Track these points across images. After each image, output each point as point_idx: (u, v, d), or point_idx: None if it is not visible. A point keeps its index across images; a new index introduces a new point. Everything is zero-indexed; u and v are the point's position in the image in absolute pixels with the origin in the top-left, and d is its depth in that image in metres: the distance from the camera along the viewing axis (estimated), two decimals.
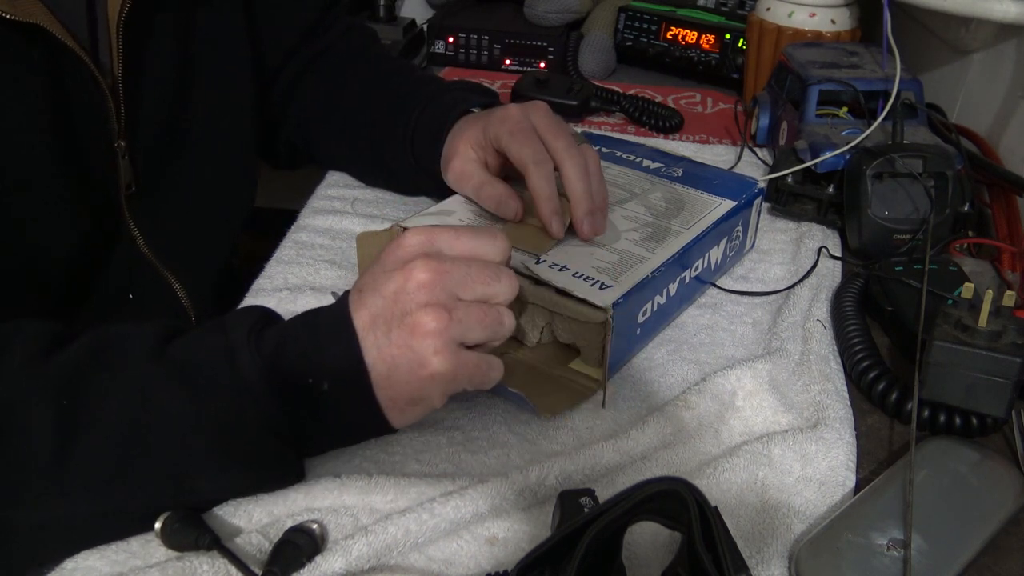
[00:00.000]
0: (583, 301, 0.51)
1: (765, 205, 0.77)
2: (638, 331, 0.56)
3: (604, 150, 0.72)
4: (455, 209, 0.61)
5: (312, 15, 0.80)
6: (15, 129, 0.54)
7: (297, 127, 0.81)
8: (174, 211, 0.67)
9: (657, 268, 0.55)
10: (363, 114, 0.76)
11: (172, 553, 0.43)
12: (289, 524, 0.44)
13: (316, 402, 0.45)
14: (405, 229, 0.55)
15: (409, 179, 0.74)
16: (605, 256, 0.56)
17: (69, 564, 0.43)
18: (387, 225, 0.61)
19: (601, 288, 0.52)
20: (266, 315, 0.48)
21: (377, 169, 0.77)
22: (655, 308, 0.57)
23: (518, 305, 0.54)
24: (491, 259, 0.48)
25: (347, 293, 0.47)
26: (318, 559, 0.42)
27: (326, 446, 0.49)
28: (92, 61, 0.56)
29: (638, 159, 0.71)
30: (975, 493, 0.47)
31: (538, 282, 0.53)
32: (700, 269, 0.62)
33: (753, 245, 0.71)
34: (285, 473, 0.47)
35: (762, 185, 0.68)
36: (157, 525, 0.43)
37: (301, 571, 0.41)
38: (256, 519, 0.45)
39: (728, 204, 0.64)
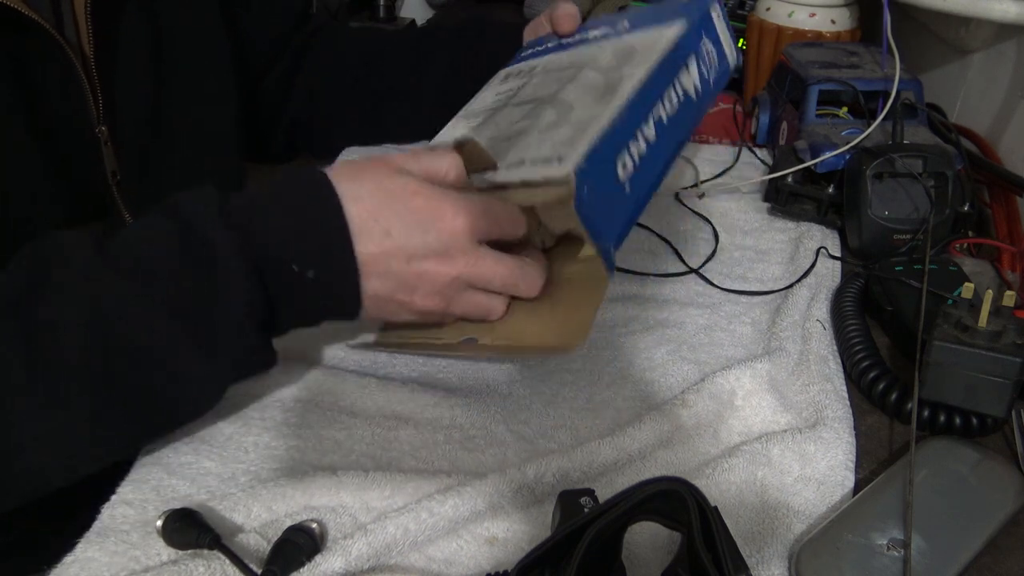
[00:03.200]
0: (545, 183, 0.47)
1: (765, 205, 0.77)
2: (627, 187, 0.50)
3: (550, 45, 0.66)
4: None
5: (298, 5, 0.81)
6: None
7: (307, 103, 0.82)
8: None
9: (615, 116, 0.49)
10: (390, 62, 0.79)
11: (173, 551, 0.43)
12: (288, 523, 0.44)
13: (294, 288, 0.45)
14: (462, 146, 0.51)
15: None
16: (561, 132, 0.50)
17: (68, 557, 0.43)
18: None
19: (560, 162, 0.46)
20: (221, 191, 0.46)
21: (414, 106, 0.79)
22: (638, 157, 0.50)
23: None
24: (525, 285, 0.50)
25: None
26: (318, 558, 0.42)
27: (290, 328, 0.49)
28: (60, 37, 0.55)
29: (582, 37, 0.64)
30: (975, 493, 0.47)
31: (501, 187, 0.49)
32: (676, 101, 0.54)
33: (737, 58, 0.63)
34: (266, 360, 0.48)
35: None
36: (158, 523, 0.43)
37: (301, 570, 0.41)
38: (255, 516, 0.45)
39: (679, 24, 0.56)
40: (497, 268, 0.48)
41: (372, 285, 0.46)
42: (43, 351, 0.41)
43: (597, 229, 0.47)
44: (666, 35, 0.55)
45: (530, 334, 0.51)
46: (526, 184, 0.48)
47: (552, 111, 0.53)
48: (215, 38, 0.72)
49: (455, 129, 0.59)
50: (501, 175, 0.50)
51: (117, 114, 0.62)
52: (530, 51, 0.67)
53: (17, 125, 0.55)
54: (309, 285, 0.44)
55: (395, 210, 0.46)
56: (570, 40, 0.65)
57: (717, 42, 0.60)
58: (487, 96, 0.62)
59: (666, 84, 0.54)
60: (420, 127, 0.77)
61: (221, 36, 0.72)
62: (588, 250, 0.51)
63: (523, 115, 0.54)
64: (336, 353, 0.58)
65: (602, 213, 0.48)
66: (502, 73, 0.66)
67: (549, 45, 0.66)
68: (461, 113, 0.62)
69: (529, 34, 0.71)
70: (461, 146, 0.50)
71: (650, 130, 0.52)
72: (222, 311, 0.43)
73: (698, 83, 0.57)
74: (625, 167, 0.50)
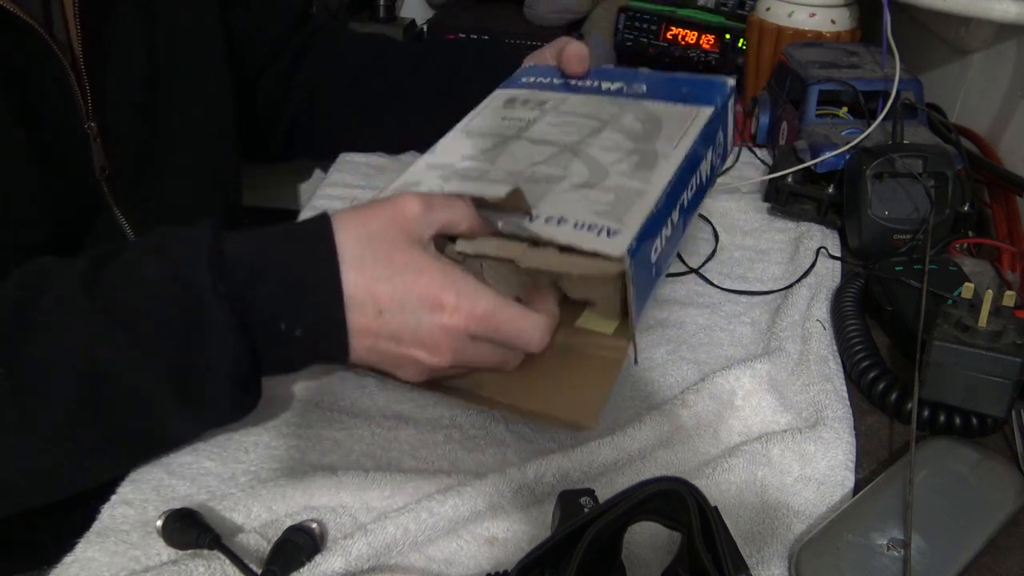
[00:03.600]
0: (594, 254, 0.45)
1: (765, 205, 0.77)
2: (653, 271, 0.50)
3: (556, 81, 0.66)
4: (420, 179, 0.53)
5: (298, 5, 0.82)
6: None
7: (306, 103, 0.82)
8: (159, 198, 0.67)
9: (659, 199, 0.49)
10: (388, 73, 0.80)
11: (173, 551, 0.43)
12: (288, 523, 0.44)
13: (282, 343, 0.44)
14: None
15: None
16: (600, 196, 0.49)
17: (68, 557, 0.43)
18: None
19: (609, 235, 0.46)
20: (216, 237, 0.45)
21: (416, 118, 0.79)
22: (664, 242, 0.51)
23: (517, 276, 0.50)
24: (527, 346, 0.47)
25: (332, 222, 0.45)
26: (318, 558, 0.42)
27: (275, 374, 0.48)
28: (48, 36, 0.56)
29: (595, 83, 0.64)
30: (975, 493, 0.47)
31: (536, 243, 0.48)
32: (695, 188, 0.56)
33: (732, 148, 0.65)
34: (246, 409, 0.48)
35: (732, 82, 0.63)
36: (158, 523, 0.43)
37: (301, 570, 0.41)
38: (255, 516, 0.45)
39: (706, 111, 0.58)
40: (488, 358, 0.47)
41: (359, 352, 0.46)
42: (32, 392, 0.42)
43: (635, 312, 0.47)
44: (695, 120, 0.57)
45: (536, 397, 0.49)
46: (567, 248, 0.47)
47: (583, 167, 0.53)
48: (213, 38, 0.72)
49: (457, 144, 0.58)
50: (538, 227, 0.48)
51: (108, 110, 0.62)
52: (533, 79, 0.67)
53: (5, 121, 0.55)
54: (296, 341, 0.44)
55: (394, 286, 0.44)
56: (580, 83, 0.65)
57: (726, 133, 0.62)
58: (491, 117, 0.61)
59: (692, 171, 0.55)
60: (417, 130, 0.77)
61: (219, 35, 0.72)
62: (597, 323, 0.51)
63: (545, 158, 0.54)
64: None
65: (639, 297, 0.47)
66: (503, 94, 0.65)
67: (555, 80, 0.66)
68: (461, 127, 0.60)
69: (531, 59, 0.71)
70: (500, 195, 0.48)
71: (676, 214, 0.53)
72: (211, 374, 0.44)
73: (709, 171, 0.59)
74: (656, 251, 0.50)
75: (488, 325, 0.45)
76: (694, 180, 0.56)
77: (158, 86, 0.66)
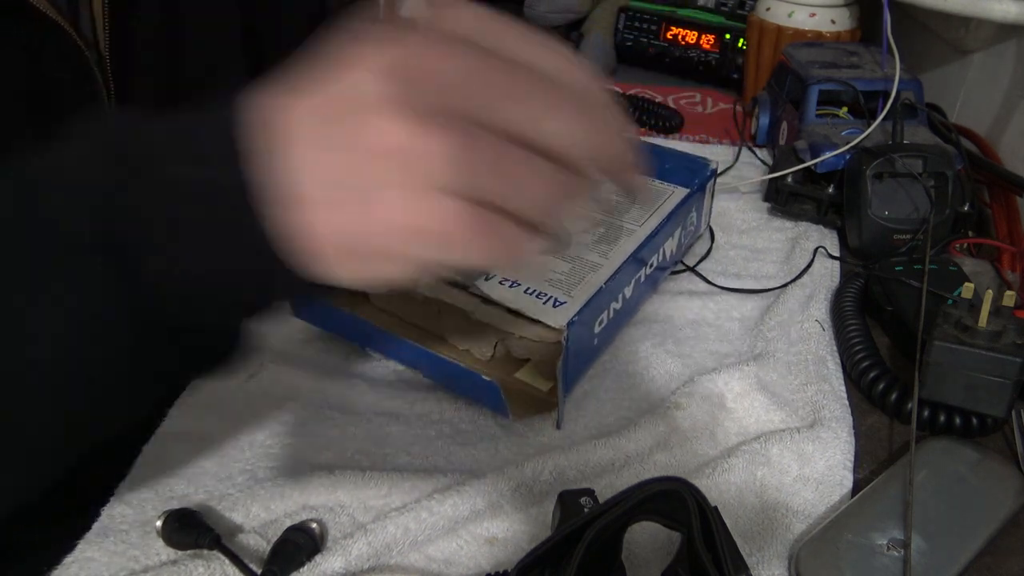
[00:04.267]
0: (536, 321, 0.50)
1: (764, 205, 0.77)
2: (595, 341, 0.55)
3: None
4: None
5: (313, 7, 0.82)
6: None
7: None
8: None
9: (611, 275, 0.53)
10: None
11: (172, 551, 0.43)
12: (287, 522, 0.44)
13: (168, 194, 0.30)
14: None
15: None
16: (557, 266, 0.54)
17: (68, 558, 0.43)
18: None
19: (555, 305, 0.51)
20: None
21: None
22: (611, 315, 0.55)
23: (467, 326, 0.54)
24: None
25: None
26: (317, 558, 0.42)
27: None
28: (75, 33, 0.56)
29: None
30: (975, 493, 0.47)
31: (488, 301, 0.52)
32: (655, 265, 0.60)
33: (707, 226, 0.69)
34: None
35: (714, 166, 0.66)
36: (158, 523, 0.43)
37: (300, 570, 0.41)
38: (254, 516, 0.45)
39: (681, 192, 0.62)
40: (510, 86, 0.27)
41: (298, 158, 0.27)
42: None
43: (566, 384, 0.51)
44: (668, 199, 0.60)
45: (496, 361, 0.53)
46: (515, 312, 0.51)
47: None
48: (233, 40, 0.72)
49: None
50: (492, 287, 0.52)
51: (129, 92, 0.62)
52: None
53: (33, 119, 0.55)
54: (185, 187, 0.29)
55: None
56: None
57: (700, 213, 0.66)
58: None
59: (654, 250, 0.59)
60: None
61: (238, 38, 0.73)
62: (535, 379, 0.54)
63: None
64: (323, 349, 0.58)
65: (572, 367, 0.51)
66: None
67: None
68: None
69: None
70: None
71: (630, 290, 0.57)
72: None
73: (675, 249, 0.63)
74: (601, 323, 0.54)
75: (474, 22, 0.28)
76: (655, 258, 0.60)
77: (178, 87, 0.67)
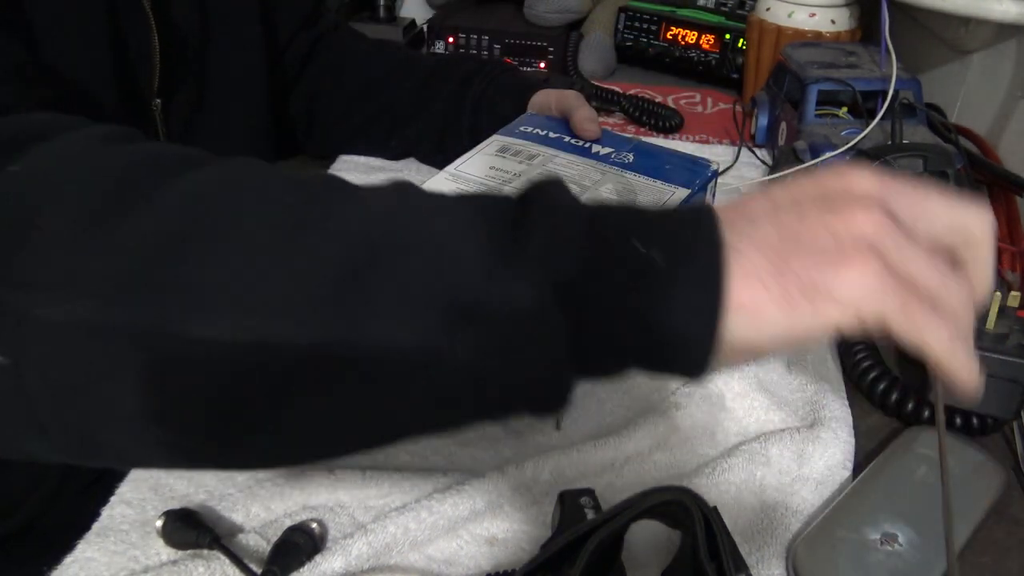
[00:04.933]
0: None
1: None
2: None
3: (551, 135, 0.70)
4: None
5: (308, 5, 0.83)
6: (81, 75, 0.54)
7: (306, 102, 0.83)
8: None
9: None
10: (388, 86, 0.80)
11: (172, 551, 0.43)
12: (287, 522, 0.44)
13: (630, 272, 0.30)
14: None
15: (439, 138, 0.78)
16: None
17: (68, 557, 0.43)
18: None
19: None
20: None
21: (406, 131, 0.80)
22: None
23: None
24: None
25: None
26: (318, 558, 0.42)
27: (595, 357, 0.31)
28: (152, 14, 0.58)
29: (586, 144, 0.69)
30: (955, 481, 0.47)
31: None
32: None
33: None
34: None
35: (715, 167, 0.67)
36: (158, 523, 0.43)
37: (301, 570, 0.41)
38: (254, 516, 0.45)
39: (682, 192, 0.62)
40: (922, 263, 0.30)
41: (746, 258, 0.29)
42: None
43: None
44: (669, 199, 0.61)
45: None
46: None
47: None
48: (253, 21, 0.73)
49: (440, 187, 0.62)
50: None
51: (173, 92, 0.64)
52: (530, 129, 0.71)
53: (110, 93, 0.56)
54: (650, 267, 0.29)
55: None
56: (573, 142, 0.69)
57: None
58: (479, 165, 0.65)
59: None
60: (417, 144, 0.81)
61: (255, 19, 0.73)
62: None
63: None
64: None
65: None
66: (498, 141, 0.69)
67: (551, 134, 0.70)
68: (449, 171, 0.64)
69: (534, 106, 0.74)
70: None
71: None
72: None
73: None
74: None
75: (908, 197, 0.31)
76: None
77: (207, 66, 0.68)
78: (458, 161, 0.65)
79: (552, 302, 0.29)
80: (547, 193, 0.32)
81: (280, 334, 0.28)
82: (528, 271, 0.29)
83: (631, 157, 0.67)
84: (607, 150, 0.68)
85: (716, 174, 0.67)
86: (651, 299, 0.29)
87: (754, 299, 0.29)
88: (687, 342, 0.29)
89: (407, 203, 0.32)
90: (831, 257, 0.29)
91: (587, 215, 0.31)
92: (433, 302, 0.29)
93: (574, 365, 0.30)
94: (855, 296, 0.29)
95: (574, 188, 0.58)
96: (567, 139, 0.69)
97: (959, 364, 0.31)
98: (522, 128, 0.71)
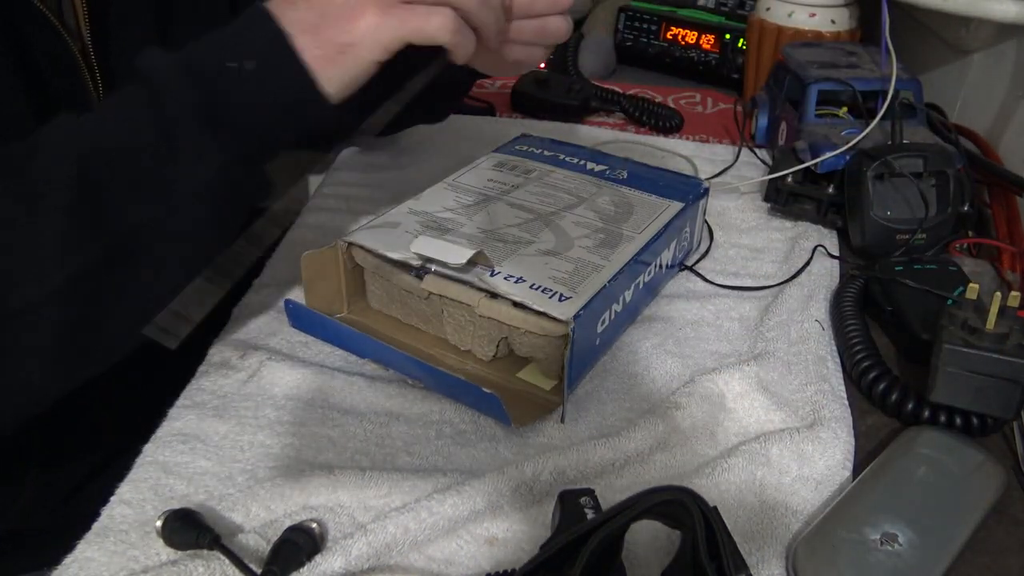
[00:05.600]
0: (542, 314, 0.51)
1: (764, 205, 0.77)
2: (597, 341, 0.55)
3: (547, 153, 0.72)
4: (400, 221, 0.59)
5: None
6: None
7: None
8: None
9: (614, 276, 0.54)
10: None
11: (172, 551, 0.43)
12: (287, 522, 0.44)
13: (243, 83, 0.45)
14: (350, 244, 0.57)
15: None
16: (560, 265, 0.55)
17: (68, 557, 0.43)
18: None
19: (560, 300, 0.51)
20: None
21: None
22: (612, 316, 0.56)
23: (469, 325, 0.54)
24: None
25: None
26: (317, 558, 0.42)
27: (266, 136, 0.47)
28: (59, 23, 0.56)
29: (581, 161, 0.70)
30: (957, 483, 0.47)
31: (494, 295, 0.52)
32: (653, 273, 0.62)
33: (700, 242, 0.71)
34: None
35: (707, 185, 0.68)
36: (158, 523, 0.43)
37: (300, 570, 0.41)
38: (254, 516, 0.45)
39: (676, 206, 0.64)
40: None
41: (305, 44, 0.45)
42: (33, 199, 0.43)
43: (570, 378, 0.51)
44: (664, 212, 0.63)
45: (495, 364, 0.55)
46: (520, 305, 0.51)
47: (551, 235, 0.59)
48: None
49: (441, 195, 0.63)
50: (498, 282, 0.53)
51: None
52: (526, 147, 0.73)
53: (18, 104, 0.55)
54: (247, 76, 0.45)
55: None
56: (569, 159, 0.71)
57: (693, 228, 0.68)
58: (478, 176, 0.67)
59: (652, 258, 0.61)
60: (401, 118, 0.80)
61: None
62: (537, 378, 0.55)
63: (519, 222, 0.60)
64: (322, 349, 0.58)
65: (575, 366, 0.52)
66: (495, 157, 0.71)
67: (546, 152, 0.72)
68: (449, 180, 0.66)
69: None
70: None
71: (630, 294, 0.58)
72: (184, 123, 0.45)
73: (671, 260, 0.65)
74: (603, 323, 0.55)
75: None
76: (653, 266, 0.61)
77: None
78: (456, 173, 0.67)
79: (205, 125, 0.44)
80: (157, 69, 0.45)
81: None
82: (188, 118, 0.44)
83: (624, 173, 0.69)
84: (601, 167, 0.70)
85: (707, 192, 0.68)
86: (262, 89, 0.45)
87: (316, 60, 0.45)
88: (303, 102, 0.46)
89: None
90: (346, 14, 0.44)
91: (184, 64, 0.45)
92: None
93: (245, 164, 0.46)
94: (372, 37, 0.44)
95: (570, 199, 0.64)
96: (562, 156, 0.71)
97: (465, 45, 0.46)
98: (518, 147, 0.73)
